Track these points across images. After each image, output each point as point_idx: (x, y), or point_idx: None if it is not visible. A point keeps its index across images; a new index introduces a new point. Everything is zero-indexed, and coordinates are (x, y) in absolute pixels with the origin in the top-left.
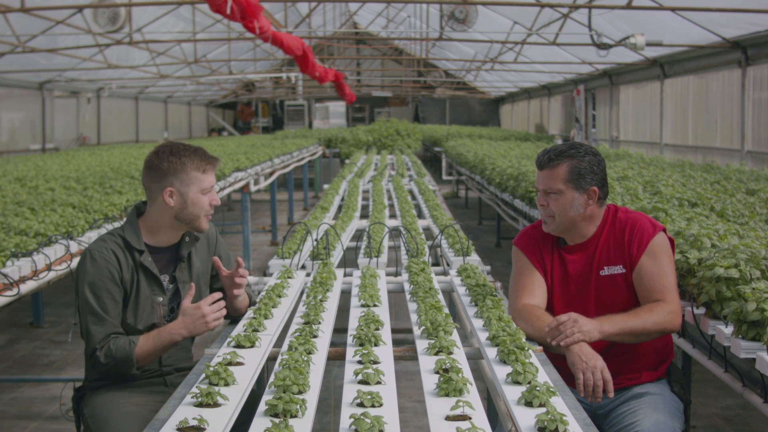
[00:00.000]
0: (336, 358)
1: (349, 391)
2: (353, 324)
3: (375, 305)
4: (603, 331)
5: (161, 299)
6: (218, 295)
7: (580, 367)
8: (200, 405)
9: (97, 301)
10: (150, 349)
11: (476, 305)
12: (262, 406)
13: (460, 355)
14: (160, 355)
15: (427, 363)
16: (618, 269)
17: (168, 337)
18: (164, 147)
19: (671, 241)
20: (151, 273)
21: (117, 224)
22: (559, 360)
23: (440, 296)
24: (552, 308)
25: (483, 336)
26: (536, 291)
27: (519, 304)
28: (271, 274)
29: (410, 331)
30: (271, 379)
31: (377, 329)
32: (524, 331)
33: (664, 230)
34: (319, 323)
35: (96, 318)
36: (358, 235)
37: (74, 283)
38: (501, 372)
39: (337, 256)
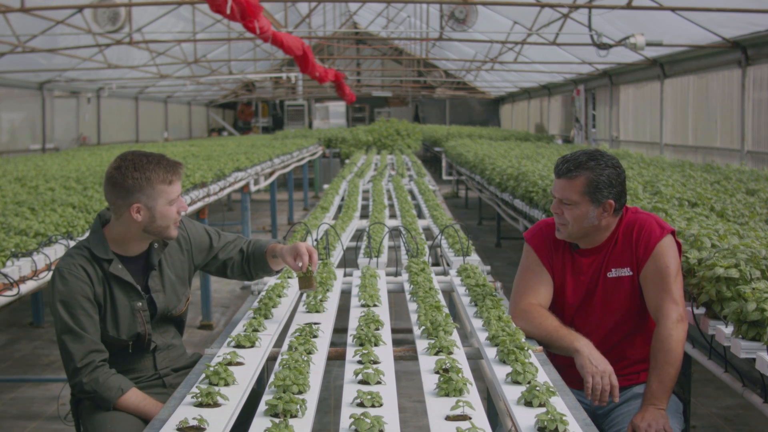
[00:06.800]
0: (336, 358)
1: (349, 391)
2: (353, 324)
3: (375, 305)
4: (663, 405)
5: (140, 304)
6: None
7: (589, 370)
8: (200, 405)
9: (73, 318)
10: (133, 408)
11: (476, 305)
12: (262, 406)
13: (460, 355)
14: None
15: (427, 363)
16: (625, 271)
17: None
18: (125, 161)
19: (678, 245)
20: (123, 281)
21: None
22: (560, 360)
23: (440, 296)
24: (562, 310)
25: (483, 336)
26: (541, 290)
27: (523, 303)
28: None
29: (410, 331)
30: (271, 379)
31: (377, 329)
32: (524, 329)
33: (673, 233)
34: (319, 323)
35: (73, 336)
36: (358, 235)
37: (48, 303)
38: (501, 372)
39: (337, 256)
